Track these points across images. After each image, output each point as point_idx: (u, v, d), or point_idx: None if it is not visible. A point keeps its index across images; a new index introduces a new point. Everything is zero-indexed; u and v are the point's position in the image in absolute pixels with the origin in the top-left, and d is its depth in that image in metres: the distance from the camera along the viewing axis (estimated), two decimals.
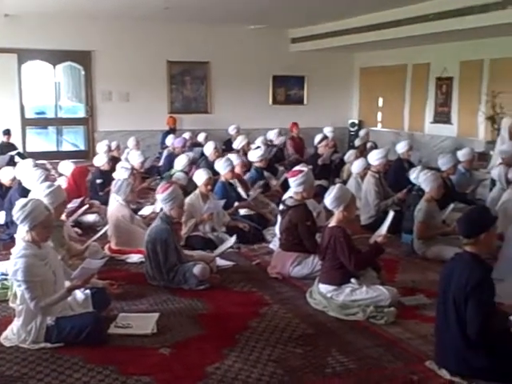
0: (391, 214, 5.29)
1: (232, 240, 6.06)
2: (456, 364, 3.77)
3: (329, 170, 10.97)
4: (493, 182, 8.35)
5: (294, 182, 5.92)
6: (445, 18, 10.25)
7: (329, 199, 5.10)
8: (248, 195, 7.83)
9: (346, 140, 15.90)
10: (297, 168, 6.35)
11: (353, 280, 5.04)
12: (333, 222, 5.12)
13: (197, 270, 5.48)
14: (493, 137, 11.25)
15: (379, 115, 15.77)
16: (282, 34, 15.12)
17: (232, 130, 12.97)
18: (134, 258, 6.30)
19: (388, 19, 11.59)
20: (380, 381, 3.78)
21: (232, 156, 8.49)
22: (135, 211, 7.68)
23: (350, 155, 10.26)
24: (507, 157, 8.33)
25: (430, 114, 14.06)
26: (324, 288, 5.10)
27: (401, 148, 9.60)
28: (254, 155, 8.53)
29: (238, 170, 8.13)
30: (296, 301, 5.24)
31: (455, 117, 13.33)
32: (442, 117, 13.72)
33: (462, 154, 8.38)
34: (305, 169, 6.16)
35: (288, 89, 15.89)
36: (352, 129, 16.04)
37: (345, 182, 9.17)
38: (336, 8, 11.50)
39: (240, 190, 7.91)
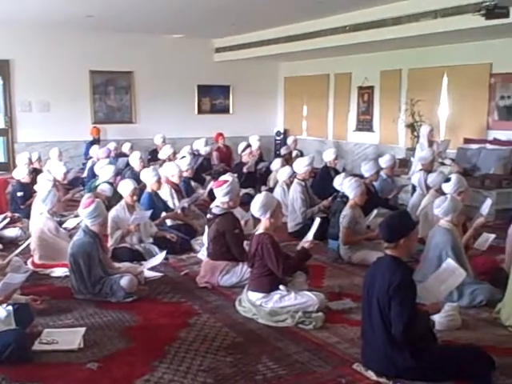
0: (317, 221, 5.38)
1: (161, 256, 6.03)
2: (382, 365, 3.87)
3: (255, 179, 11.08)
4: (413, 188, 8.65)
5: (219, 192, 5.93)
6: (360, 30, 10.58)
7: (255, 207, 5.14)
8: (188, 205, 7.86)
9: (272, 148, 16.07)
10: (222, 178, 6.36)
11: (281, 287, 5.09)
12: (260, 230, 5.16)
13: (124, 282, 5.39)
14: (413, 144, 11.65)
15: (304, 124, 16.04)
16: (206, 44, 15.15)
17: (158, 140, 12.86)
18: (59, 271, 6.14)
19: (309, 30, 11.83)
20: None
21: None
22: (59, 224, 7.49)
23: (276, 163, 10.37)
24: (426, 163, 8.64)
25: (352, 122, 14.42)
26: (253, 295, 5.12)
27: (327, 156, 9.79)
28: (181, 165, 8.47)
29: (175, 179, 8.07)
30: (225, 309, 5.24)
31: (377, 125, 13.72)
32: (365, 125, 14.10)
33: (383, 161, 8.62)
34: (230, 178, 6.18)
35: (213, 98, 15.91)
36: (278, 137, 16.24)
37: (271, 190, 9.27)
38: (258, 19, 11.62)
39: (176, 200, 7.88)
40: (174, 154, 10.73)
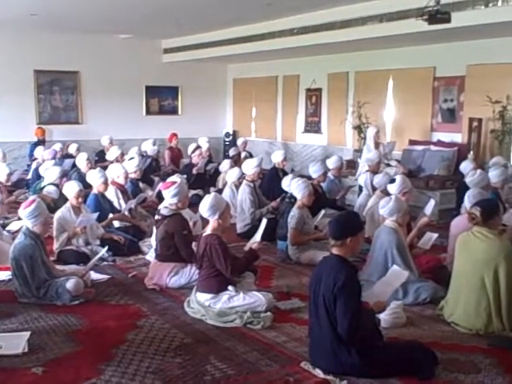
0: (264, 222, 5.42)
1: (103, 250, 5.95)
2: (329, 363, 3.92)
3: (204, 180, 11.06)
4: (360, 189, 8.80)
5: (168, 194, 5.90)
6: (308, 33, 10.71)
7: (204, 208, 5.14)
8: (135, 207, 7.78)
9: (221, 150, 16.08)
10: (170, 179, 6.33)
11: (230, 287, 5.10)
12: (208, 231, 5.16)
13: (70, 284, 5.31)
14: (360, 145, 11.85)
15: (253, 125, 16.10)
16: (155, 45, 15.05)
17: (105, 141, 12.69)
18: (2, 275, 5.98)
19: (258, 32, 11.89)
20: None
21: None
22: (2, 226, 7.33)
23: (225, 165, 10.39)
24: (372, 164, 8.81)
25: (301, 123, 14.55)
26: (202, 296, 5.12)
27: (276, 157, 9.85)
28: (128, 166, 8.39)
29: (121, 180, 7.97)
30: (174, 311, 5.22)
31: (325, 126, 13.89)
32: (313, 126, 14.26)
33: (330, 162, 8.74)
34: (178, 180, 6.16)
35: (162, 99, 15.81)
36: (227, 139, 16.26)
37: (220, 191, 9.27)
38: (205, 20, 11.62)
39: (122, 201, 7.79)
40: (122, 155, 10.62)
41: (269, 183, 9.48)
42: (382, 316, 4.74)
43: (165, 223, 5.83)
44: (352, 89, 12.91)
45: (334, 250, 3.97)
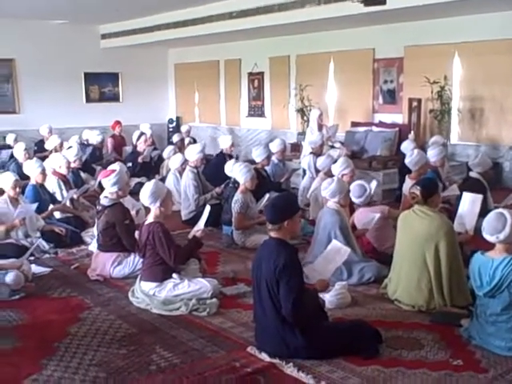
0: (207, 209, 5.37)
1: (38, 241, 5.80)
2: (274, 346, 3.92)
3: (149, 168, 10.90)
4: (304, 171, 8.83)
5: (107, 182, 5.77)
6: (247, 16, 10.65)
7: (144, 196, 5.05)
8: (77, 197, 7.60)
9: (165, 136, 15.90)
10: (110, 168, 6.20)
11: (174, 275, 5.04)
12: (150, 218, 5.08)
13: (9, 278, 5.15)
14: (303, 128, 11.90)
15: (197, 110, 15.96)
16: (92, 30, 14.73)
17: (44, 131, 12.32)
18: None
19: (197, 16, 11.76)
20: (203, 371, 3.81)
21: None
22: None
23: (168, 151, 10.25)
24: (316, 147, 8.85)
25: (244, 108, 14.51)
26: (146, 285, 5.05)
27: (224, 143, 9.77)
28: (67, 155, 8.17)
29: (63, 170, 7.75)
30: (118, 301, 5.13)
31: (268, 110, 13.89)
32: (256, 111, 14.24)
33: (273, 146, 8.71)
34: (117, 168, 6.03)
35: (102, 86, 15.51)
36: (170, 125, 16.08)
37: (164, 179, 9.17)
38: (142, 4, 11.40)
39: (64, 191, 7.59)
40: (61, 144, 10.34)
41: (216, 169, 9.35)
42: (327, 297, 4.78)
43: (105, 213, 5.70)
44: (294, 72, 12.94)
45: (273, 234, 3.96)
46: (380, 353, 3.97)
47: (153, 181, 5.22)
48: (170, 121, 16.15)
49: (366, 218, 5.91)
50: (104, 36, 14.94)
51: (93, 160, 11.12)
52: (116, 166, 6.21)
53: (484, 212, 4.59)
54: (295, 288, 3.76)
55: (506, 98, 9.59)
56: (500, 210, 3.92)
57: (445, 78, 9.73)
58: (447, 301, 4.63)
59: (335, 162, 6.72)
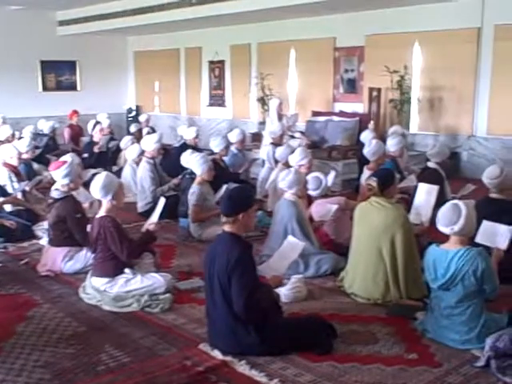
0: (162, 201, 5.22)
1: None
2: (227, 343, 3.82)
3: (106, 158, 10.65)
4: (264, 162, 8.72)
5: (58, 174, 5.57)
6: (205, 3, 10.51)
7: (95, 188, 4.87)
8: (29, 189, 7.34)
9: (124, 126, 15.61)
10: (61, 159, 5.99)
11: (127, 270, 4.89)
12: (101, 212, 4.91)
13: None
14: (264, 118, 11.79)
15: (156, 100, 15.73)
16: (48, 17, 14.35)
17: None
18: None
19: (155, 3, 11.56)
20: (154, 370, 3.69)
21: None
22: None
23: (125, 141, 10.02)
24: (276, 137, 8.75)
25: (205, 97, 14.33)
26: (97, 281, 4.88)
27: (188, 134, 9.58)
28: (19, 146, 7.90)
29: (14, 161, 7.48)
30: (68, 298, 4.95)
31: (229, 99, 13.75)
32: (217, 100, 14.08)
33: (232, 136, 8.58)
34: (69, 159, 5.83)
35: (59, 74, 15.15)
36: (130, 114, 15.80)
37: (122, 169, 8.98)
38: None
39: (15, 183, 7.32)
40: (13, 134, 9.98)
41: (177, 159, 9.17)
42: (283, 291, 4.69)
43: (56, 206, 5.51)
44: (255, 61, 12.82)
45: (227, 228, 3.85)
46: (334, 348, 3.90)
47: (104, 173, 5.03)
48: (130, 110, 15.88)
49: (322, 209, 5.84)
50: (61, 23, 14.59)
51: (48, 150, 10.82)
52: (67, 157, 6.00)
53: (441, 202, 4.53)
54: (247, 284, 3.66)
55: (464, 87, 9.64)
56: (455, 201, 3.88)
57: (405, 67, 9.73)
58: (403, 293, 4.59)
59: (293, 152, 6.62)
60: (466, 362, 3.72)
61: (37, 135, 11.39)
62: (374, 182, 4.70)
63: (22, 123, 12.17)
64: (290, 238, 4.59)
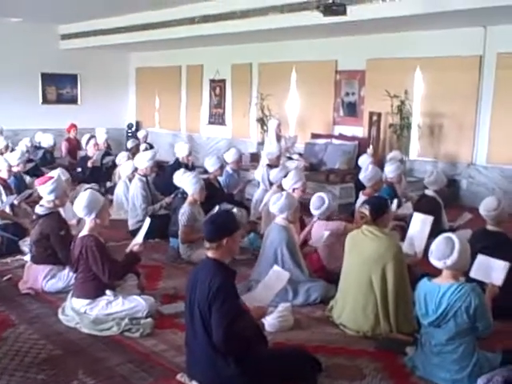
0: (147, 221, 5.05)
1: None
2: (206, 374, 3.63)
3: (100, 173, 10.52)
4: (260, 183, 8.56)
5: (44, 190, 5.41)
6: (209, 22, 10.44)
7: (79, 206, 4.72)
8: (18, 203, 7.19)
9: (123, 142, 15.49)
10: (48, 175, 5.84)
11: (108, 292, 4.72)
12: (84, 231, 4.74)
13: None
14: (263, 138, 11.66)
15: (157, 116, 15.64)
16: (51, 30, 14.32)
17: None
18: None
19: (159, 19, 11.49)
20: None
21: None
22: None
23: (121, 157, 9.87)
24: (272, 158, 8.61)
25: (205, 115, 14.24)
26: (77, 302, 4.71)
27: (181, 152, 9.46)
28: (10, 159, 7.76)
29: (3, 174, 7.35)
30: (46, 318, 4.78)
31: (229, 118, 13.65)
32: (217, 118, 13.98)
33: (228, 156, 8.43)
34: (55, 175, 5.68)
35: (59, 88, 15.08)
36: (129, 130, 15.70)
37: (115, 186, 8.84)
38: (103, 4, 11.06)
39: (4, 197, 7.18)
40: (7, 147, 9.85)
41: (170, 178, 9.03)
42: (269, 320, 4.53)
43: (40, 223, 5.35)
44: (256, 80, 12.73)
45: (210, 253, 3.68)
46: (319, 383, 3.71)
47: (88, 191, 4.89)
48: (130, 125, 15.77)
49: (318, 234, 5.68)
50: (64, 37, 14.54)
51: (43, 164, 10.69)
52: (54, 173, 5.85)
53: (438, 232, 4.37)
54: (228, 314, 3.48)
55: (465, 115, 9.52)
56: (448, 234, 3.71)
57: (405, 92, 9.61)
58: (393, 327, 4.41)
59: (286, 174, 6.46)
60: None
61: (34, 148, 11.29)
62: (366, 210, 4.54)
63: (20, 135, 12.08)
64: (276, 267, 4.41)
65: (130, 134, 15.43)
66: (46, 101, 14.87)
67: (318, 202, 5.76)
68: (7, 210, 7.11)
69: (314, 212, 5.80)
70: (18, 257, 6.37)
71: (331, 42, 10.97)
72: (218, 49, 13.16)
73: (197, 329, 3.62)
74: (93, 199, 4.73)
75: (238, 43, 12.37)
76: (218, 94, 13.81)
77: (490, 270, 4.09)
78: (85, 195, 4.75)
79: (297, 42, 11.47)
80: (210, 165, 7.87)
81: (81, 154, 12.08)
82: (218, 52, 13.25)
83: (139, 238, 4.90)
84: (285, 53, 11.79)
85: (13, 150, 8.66)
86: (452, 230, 6.47)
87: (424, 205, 6.50)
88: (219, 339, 3.48)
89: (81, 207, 4.71)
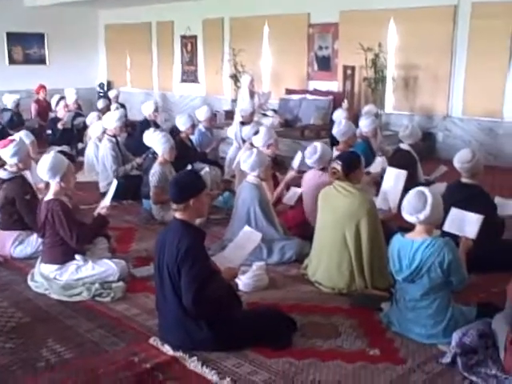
0: (114, 183, 4.91)
1: None
2: (178, 337, 3.56)
3: (71, 135, 10.27)
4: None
5: (6, 153, 5.21)
6: None
7: (42, 169, 4.54)
8: None
9: (95, 101, 15.12)
10: (9, 138, 5.62)
11: (77, 256, 4.60)
12: (49, 195, 4.59)
13: None
14: (237, 95, 11.43)
15: (128, 75, 15.28)
16: None
17: None
18: None
19: None
20: (98, 367, 3.42)
21: None
22: None
23: (91, 118, 9.61)
24: (245, 115, 8.46)
25: (178, 73, 13.94)
26: (46, 268, 4.59)
27: (146, 109, 9.25)
28: None
29: None
30: (16, 286, 4.65)
31: (202, 76, 13.38)
32: (190, 76, 13.70)
33: (200, 113, 8.24)
34: (16, 138, 5.47)
35: (26, 47, 14.61)
36: (101, 90, 15.34)
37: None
38: None
39: None
40: None
41: (140, 137, 8.87)
42: (243, 279, 4.45)
43: (4, 188, 5.17)
44: (228, 36, 12.44)
45: (178, 215, 3.57)
46: (293, 343, 3.66)
47: (51, 153, 4.70)
48: (101, 85, 15.40)
49: (310, 183, 5.51)
50: None
51: (12, 126, 10.41)
52: (16, 136, 5.64)
53: (413, 186, 4.28)
54: (197, 276, 3.39)
55: (440, 66, 9.39)
56: (421, 188, 3.63)
57: (379, 45, 9.43)
58: (368, 283, 4.36)
59: (255, 131, 6.31)
60: (432, 358, 3.50)
61: (1, 110, 10.99)
62: (338, 166, 4.44)
63: None
64: (247, 228, 4.31)
65: (101, 94, 15.07)
66: (12, 61, 14.43)
67: (312, 150, 5.57)
68: None
69: (308, 161, 5.62)
70: None
71: None
72: (188, 4, 12.79)
73: (166, 292, 3.54)
74: (56, 162, 4.56)
75: None
76: (189, 50, 13.50)
77: (464, 223, 4.04)
78: (48, 158, 4.57)
79: None
80: (182, 123, 7.68)
81: (51, 115, 11.80)
82: (189, 7, 12.87)
83: (106, 201, 4.77)
84: (257, 6, 11.49)
85: None
86: (428, 183, 6.44)
87: (398, 159, 6.43)
88: (189, 303, 3.40)
89: (44, 170, 4.55)
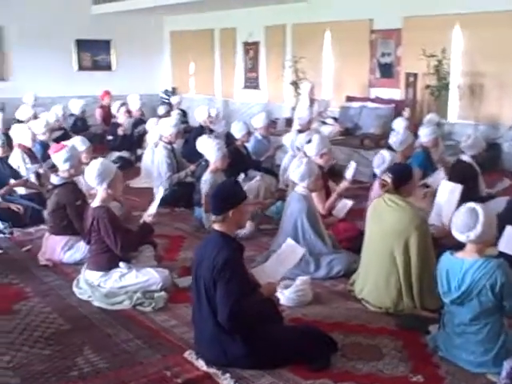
0: (161, 191, 4.91)
1: None
2: (212, 352, 3.47)
3: (131, 141, 10.40)
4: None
5: (58, 159, 5.28)
6: None
7: (90, 176, 4.57)
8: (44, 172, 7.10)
9: (157, 108, 15.31)
10: (63, 142, 5.70)
11: (122, 264, 4.59)
12: (96, 202, 4.60)
13: None
14: (296, 102, 11.30)
15: (192, 81, 15.40)
16: None
17: (28, 99, 11.76)
18: None
19: None
20: (129, 380, 3.38)
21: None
22: None
23: (151, 124, 9.69)
24: (303, 123, 8.32)
25: (240, 79, 13.93)
26: (91, 275, 4.60)
27: (200, 115, 9.24)
28: (35, 127, 7.67)
29: (27, 143, 7.27)
30: (61, 291, 4.69)
31: (264, 82, 13.32)
32: (251, 82, 13.66)
33: (256, 121, 8.14)
34: (69, 143, 5.53)
35: (94, 54, 14.95)
36: (165, 96, 15.50)
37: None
38: None
39: (29, 165, 7.11)
40: (35, 116, 9.71)
41: (194, 144, 8.85)
42: (286, 294, 4.32)
43: (55, 193, 5.23)
44: (289, 42, 12.33)
45: (217, 226, 3.49)
46: (332, 364, 3.50)
47: (99, 160, 4.72)
48: (166, 92, 15.57)
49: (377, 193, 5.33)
50: (96, 1, 14.32)
51: (75, 131, 10.61)
52: (69, 142, 5.70)
53: (473, 199, 4.01)
54: (234, 291, 3.29)
55: (507, 74, 8.95)
56: (473, 204, 3.40)
57: (442, 51, 9.08)
58: (417, 303, 4.15)
59: (308, 140, 6.16)
60: None
61: (69, 116, 11.23)
62: (388, 178, 4.25)
63: (56, 102, 11.95)
64: (289, 240, 4.17)
65: (166, 101, 15.24)
66: (81, 68, 14.79)
67: (380, 159, 5.41)
68: (33, 178, 7.03)
69: (376, 170, 5.46)
70: (42, 226, 6.28)
71: (366, 0, 10.48)
72: (250, 10, 12.75)
73: (202, 306, 3.46)
74: (104, 168, 4.57)
75: (272, 4, 11.96)
76: (251, 57, 13.46)
77: None
78: (96, 164, 4.59)
79: (331, 1, 11.00)
80: (237, 130, 7.61)
81: (112, 121, 12.00)
82: (251, 14, 12.83)
83: (152, 209, 4.74)
84: (319, 13, 11.32)
85: (36, 117, 8.53)
86: (489, 197, 6.13)
87: (458, 171, 6.13)
88: (224, 319, 3.30)
89: (92, 176, 4.57)
